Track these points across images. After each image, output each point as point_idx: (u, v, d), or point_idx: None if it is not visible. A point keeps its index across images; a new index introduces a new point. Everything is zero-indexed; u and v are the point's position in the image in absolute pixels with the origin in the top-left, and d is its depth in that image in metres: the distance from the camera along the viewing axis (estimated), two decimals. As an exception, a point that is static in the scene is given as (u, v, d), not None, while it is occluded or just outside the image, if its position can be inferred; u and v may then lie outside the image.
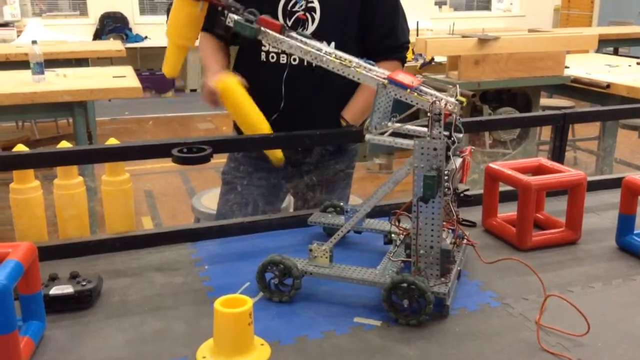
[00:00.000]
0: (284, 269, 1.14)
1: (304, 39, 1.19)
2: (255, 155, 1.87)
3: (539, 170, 1.46)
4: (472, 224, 1.26)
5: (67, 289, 1.11)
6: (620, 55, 5.73)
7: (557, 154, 1.84)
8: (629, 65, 4.14)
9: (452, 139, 1.09)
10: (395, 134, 1.17)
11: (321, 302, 1.14)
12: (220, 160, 1.99)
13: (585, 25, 9.17)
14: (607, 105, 3.33)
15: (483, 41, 3.34)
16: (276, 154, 1.62)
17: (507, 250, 1.36)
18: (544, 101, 4.66)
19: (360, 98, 1.81)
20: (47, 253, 1.28)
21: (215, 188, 2.51)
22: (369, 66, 1.16)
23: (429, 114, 1.05)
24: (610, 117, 3.00)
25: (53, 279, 1.14)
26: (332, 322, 1.08)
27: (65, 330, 1.05)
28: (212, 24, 1.39)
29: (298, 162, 1.89)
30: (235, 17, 1.23)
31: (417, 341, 1.02)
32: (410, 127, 1.17)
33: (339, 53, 1.17)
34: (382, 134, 1.16)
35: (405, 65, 2.25)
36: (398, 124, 1.17)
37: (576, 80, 3.64)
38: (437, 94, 1.09)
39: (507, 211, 1.46)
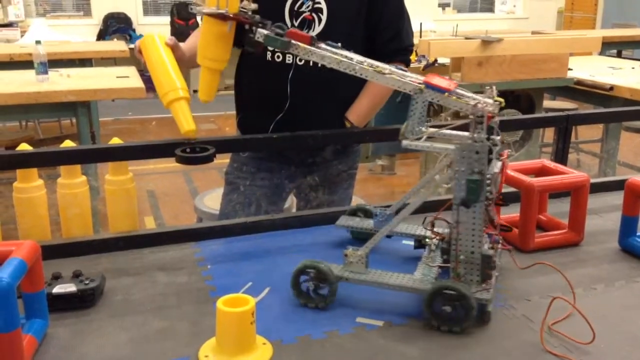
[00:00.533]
0: (317, 274, 1.12)
1: (333, 49, 1.19)
2: (259, 156, 1.88)
3: (542, 171, 1.46)
4: (508, 229, 1.25)
5: (70, 287, 1.12)
6: (624, 58, 5.73)
7: (560, 156, 1.84)
8: (633, 68, 4.13)
9: (493, 142, 1.06)
10: (430, 139, 1.14)
11: (323, 302, 1.14)
12: (223, 160, 1.99)
13: (589, 28, 9.16)
14: (610, 108, 3.33)
15: (486, 43, 3.34)
16: (185, 126, 1.41)
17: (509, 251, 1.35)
18: (547, 103, 4.66)
19: (365, 100, 1.82)
20: (50, 252, 1.28)
21: (218, 188, 2.52)
22: (402, 72, 1.14)
23: (470, 117, 1.04)
24: (613, 119, 3.00)
25: (56, 278, 1.14)
26: (334, 322, 1.08)
27: (68, 328, 1.06)
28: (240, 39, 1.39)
29: (301, 162, 1.89)
30: (265, 31, 1.23)
31: (419, 342, 1.02)
32: (447, 131, 1.14)
33: (370, 61, 1.16)
34: (418, 139, 1.13)
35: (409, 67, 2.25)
36: (433, 129, 1.14)
37: (579, 82, 3.64)
38: (475, 96, 1.08)
39: (510, 213, 1.46)
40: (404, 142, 1.14)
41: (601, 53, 5.77)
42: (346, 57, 1.17)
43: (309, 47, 1.19)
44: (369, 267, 1.14)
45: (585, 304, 1.12)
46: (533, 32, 5.58)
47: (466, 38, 3.47)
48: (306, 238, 1.44)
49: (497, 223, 1.14)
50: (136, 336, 1.04)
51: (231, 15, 1.27)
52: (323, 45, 1.20)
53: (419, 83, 1.11)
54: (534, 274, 1.24)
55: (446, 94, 1.08)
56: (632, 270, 1.28)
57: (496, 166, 1.10)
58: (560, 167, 1.46)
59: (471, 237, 1.07)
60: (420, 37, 4.27)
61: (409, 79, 1.13)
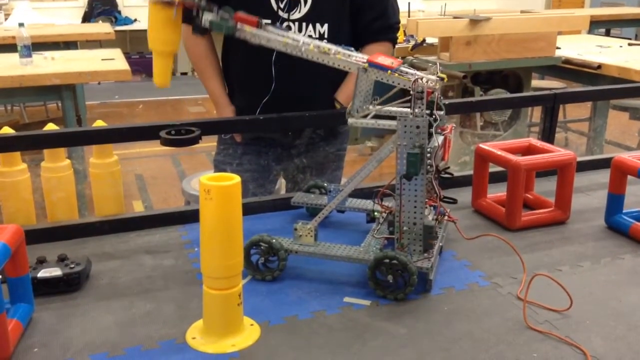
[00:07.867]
0: (268, 248, 1.15)
1: (281, 32, 1.20)
2: (245, 138, 1.86)
3: (528, 150, 1.46)
4: (454, 201, 1.28)
5: (55, 271, 1.11)
6: (612, 37, 5.73)
7: (547, 135, 1.84)
8: (620, 46, 4.14)
9: (434, 116, 1.10)
10: (377, 116, 1.18)
11: (311, 283, 1.14)
12: (211, 143, 1.98)
13: (577, 7, 9.13)
14: (598, 86, 3.33)
15: (474, 22, 3.32)
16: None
17: (496, 230, 1.36)
18: (536, 83, 4.66)
19: (354, 80, 1.80)
20: (36, 236, 1.27)
21: (205, 171, 2.50)
22: (347, 52, 1.17)
23: (411, 92, 1.06)
24: (600, 97, 3.01)
25: (41, 262, 1.13)
26: (321, 302, 1.08)
27: (53, 312, 1.05)
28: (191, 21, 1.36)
29: (288, 144, 1.88)
30: (210, 16, 1.23)
31: (405, 320, 1.02)
32: (391, 108, 1.18)
33: (317, 42, 1.18)
34: (364, 117, 1.18)
35: (397, 46, 2.23)
36: (379, 106, 1.18)
37: (567, 61, 3.64)
38: (418, 73, 1.10)
39: (497, 192, 1.46)
40: (350, 120, 1.18)
41: (590, 32, 5.77)
42: (292, 39, 1.18)
43: (254, 30, 1.20)
44: (318, 240, 1.18)
45: (571, 281, 1.12)
46: (522, 12, 5.56)
47: (454, 17, 3.45)
48: (293, 219, 1.43)
49: (441, 195, 1.18)
50: (122, 319, 1.03)
51: (176, 1, 1.25)
52: (271, 29, 1.21)
53: (364, 62, 1.14)
54: (522, 253, 1.25)
55: (389, 71, 1.11)
56: (617, 247, 1.29)
57: (437, 140, 1.13)
58: (547, 145, 1.46)
59: (413, 208, 1.11)
60: (409, 16, 4.23)
61: (354, 58, 1.16)
